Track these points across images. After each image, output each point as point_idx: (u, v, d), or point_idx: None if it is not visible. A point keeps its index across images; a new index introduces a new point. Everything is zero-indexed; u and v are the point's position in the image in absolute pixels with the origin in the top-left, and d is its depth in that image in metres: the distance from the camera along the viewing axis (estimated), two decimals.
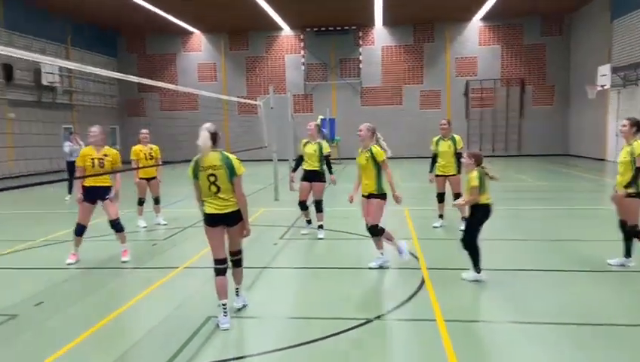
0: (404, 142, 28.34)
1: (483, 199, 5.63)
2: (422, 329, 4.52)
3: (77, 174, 6.86)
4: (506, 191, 12.49)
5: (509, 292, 5.46)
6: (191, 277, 6.18)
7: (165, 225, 9.44)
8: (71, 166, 13.56)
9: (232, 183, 4.60)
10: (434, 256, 6.93)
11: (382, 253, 6.43)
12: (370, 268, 6.36)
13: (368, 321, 4.67)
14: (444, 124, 8.64)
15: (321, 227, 8.32)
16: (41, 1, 22.08)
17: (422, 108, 28.52)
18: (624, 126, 6.08)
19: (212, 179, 4.57)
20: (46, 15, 23.44)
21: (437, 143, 8.67)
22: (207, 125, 4.63)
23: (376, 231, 6.26)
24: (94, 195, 6.76)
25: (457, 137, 8.58)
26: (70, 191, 13.35)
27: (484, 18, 27.29)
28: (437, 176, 8.70)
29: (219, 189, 4.58)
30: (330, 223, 9.42)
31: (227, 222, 4.66)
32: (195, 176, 4.64)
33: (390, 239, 6.39)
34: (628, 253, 6.14)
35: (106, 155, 6.85)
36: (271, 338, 4.38)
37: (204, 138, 4.52)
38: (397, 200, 6.31)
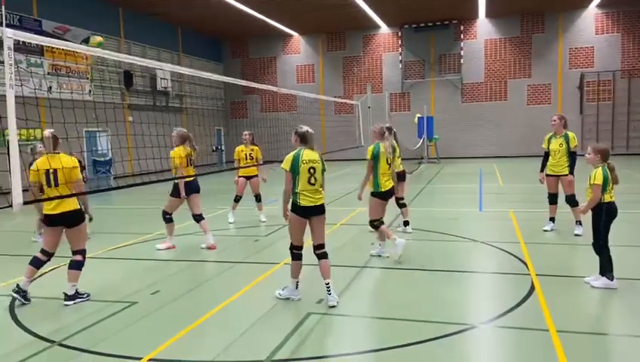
0: (509, 139, 26.94)
1: (607, 198, 5.21)
2: (531, 338, 4.21)
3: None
4: (632, 194, 11.33)
5: (634, 303, 4.93)
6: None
7: (264, 221, 9.76)
8: None
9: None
10: (544, 261, 6.45)
11: (396, 239, 6.67)
12: (371, 255, 6.95)
13: (471, 327, 4.45)
14: (555, 120, 8.02)
15: (406, 223, 8.53)
16: (153, 12, 23.89)
17: (529, 104, 26.85)
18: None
19: (312, 171, 5.01)
20: (159, 24, 25.37)
21: (549, 141, 8.08)
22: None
23: (372, 226, 6.89)
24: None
25: (571, 134, 7.92)
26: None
27: (601, 5, 25.02)
28: (548, 175, 8.10)
29: (316, 182, 5.05)
30: (429, 224, 9.18)
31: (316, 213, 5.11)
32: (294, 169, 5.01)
33: (382, 239, 6.93)
34: None
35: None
36: (368, 338, 4.33)
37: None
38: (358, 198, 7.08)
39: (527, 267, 6.18)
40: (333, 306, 5.00)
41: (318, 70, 29.95)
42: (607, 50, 25.54)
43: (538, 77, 26.61)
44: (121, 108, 22.19)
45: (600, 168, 5.26)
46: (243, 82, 8.24)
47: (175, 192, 7.60)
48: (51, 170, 5.22)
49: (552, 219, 8.22)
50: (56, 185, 5.23)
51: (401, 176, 8.32)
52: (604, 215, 5.24)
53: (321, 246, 5.17)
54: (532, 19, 26.42)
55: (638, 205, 10.13)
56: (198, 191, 7.75)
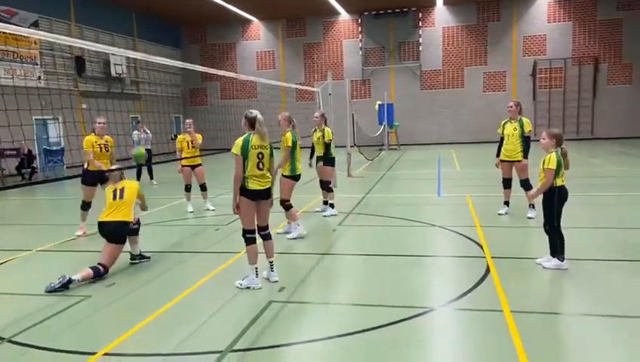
0: (466, 126, 27.54)
1: (558, 182, 5.39)
2: (487, 319, 4.33)
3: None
4: (580, 177, 11.79)
5: (584, 282, 5.15)
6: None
7: (213, 210, 9.66)
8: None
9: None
10: (499, 244, 6.64)
11: (298, 224, 7.33)
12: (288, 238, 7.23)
13: (430, 310, 4.54)
14: (511, 106, 8.22)
15: (331, 205, 8.95)
16: None
17: (485, 91, 27.49)
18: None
19: (260, 156, 5.15)
20: (112, 8, 24.47)
21: (504, 126, 8.28)
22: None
23: (284, 206, 7.33)
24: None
25: (525, 120, 8.14)
26: (138, 178, 13.97)
27: None
28: (502, 161, 8.32)
29: (264, 167, 5.20)
30: (390, 210, 9.30)
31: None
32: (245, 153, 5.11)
33: (293, 219, 7.35)
34: None
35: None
36: (330, 325, 4.35)
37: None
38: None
39: (482, 250, 6.35)
40: (276, 281, 5.33)
41: (278, 56, 29.67)
42: (558, 38, 26.36)
43: (494, 64, 27.23)
44: (74, 95, 21.37)
45: (554, 153, 5.41)
46: (200, 68, 8.05)
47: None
48: None
49: (507, 203, 8.47)
50: None
51: (330, 161, 8.92)
52: (556, 198, 5.42)
53: (266, 227, 5.41)
54: (488, 7, 26.94)
55: (587, 188, 10.55)
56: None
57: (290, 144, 7.24)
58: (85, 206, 8.12)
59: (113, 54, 21.19)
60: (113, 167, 7.26)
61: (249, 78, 10.59)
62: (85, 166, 7.98)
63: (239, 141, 5.14)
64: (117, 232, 5.95)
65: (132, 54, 6.96)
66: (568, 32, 26.26)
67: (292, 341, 4.08)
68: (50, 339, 4.21)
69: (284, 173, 7.43)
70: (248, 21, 29.57)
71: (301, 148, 7.61)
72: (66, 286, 5.37)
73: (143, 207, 6.73)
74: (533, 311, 4.46)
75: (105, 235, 5.97)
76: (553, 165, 5.33)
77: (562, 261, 5.46)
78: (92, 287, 5.48)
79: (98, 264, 5.76)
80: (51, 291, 5.31)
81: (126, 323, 4.45)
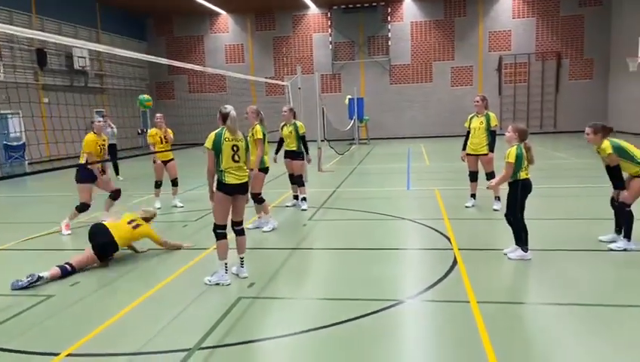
0: (435, 120, 27.91)
1: (522, 175, 5.53)
2: (454, 310, 4.41)
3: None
4: (545, 170, 12.10)
5: (547, 272, 5.29)
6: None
7: (182, 206, 9.53)
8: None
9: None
10: (466, 236, 6.76)
11: (270, 216, 7.51)
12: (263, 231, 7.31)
13: (399, 302, 4.59)
14: (478, 101, 8.36)
15: (304, 199, 8.94)
16: None
17: (453, 86, 27.89)
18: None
19: (235, 149, 5.12)
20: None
21: (470, 120, 8.42)
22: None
23: (257, 200, 7.37)
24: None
25: (492, 114, 8.30)
26: (118, 172, 13.85)
27: None
28: (468, 155, 8.47)
29: (240, 159, 5.18)
30: (360, 204, 9.36)
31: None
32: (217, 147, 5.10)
33: (265, 212, 7.48)
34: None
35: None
36: (300, 320, 4.35)
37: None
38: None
39: (450, 242, 6.45)
40: (245, 277, 5.31)
41: (247, 50, 29.39)
42: (523, 34, 26.94)
43: (461, 59, 27.64)
44: (35, 89, 20.69)
45: (515, 147, 5.54)
46: (166, 61, 7.89)
47: None
48: None
49: (473, 196, 8.62)
50: None
51: (297, 155, 8.88)
52: (519, 191, 5.55)
53: (240, 223, 5.38)
54: (455, 2, 27.31)
55: (549, 180, 10.85)
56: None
57: (260, 136, 7.29)
58: (83, 207, 7.76)
59: (75, 47, 20.58)
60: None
61: (217, 72, 10.46)
62: (84, 161, 7.67)
63: (212, 135, 5.14)
64: (110, 250, 5.93)
65: (95, 47, 6.77)
66: (532, 28, 26.86)
67: (261, 336, 4.06)
68: (12, 340, 4.08)
69: (251, 167, 7.39)
70: (216, 14, 29.17)
71: (268, 142, 7.62)
72: (33, 284, 5.24)
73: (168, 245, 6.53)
74: (498, 301, 4.57)
75: (97, 245, 5.85)
76: (512, 158, 5.46)
77: (526, 251, 5.60)
78: (55, 286, 5.33)
79: (66, 263, 5.62)
80: (18, 289, 5.16)
81: (91, 323, 4.34)
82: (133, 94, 27.98)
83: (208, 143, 5.11)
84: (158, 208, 9.42)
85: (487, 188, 6.34)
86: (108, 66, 25.78)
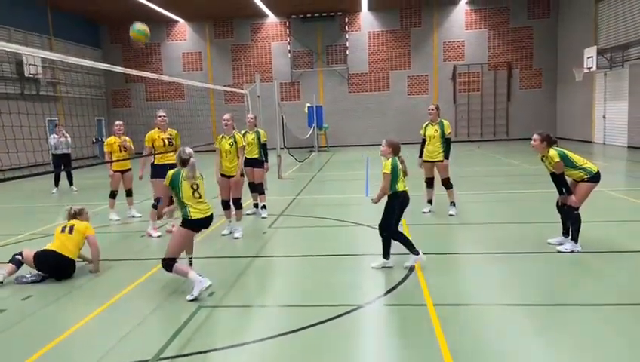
0: (392, 127, 28.39)
1: (400, 186, 5.72)
2: (412, 314, 4.54)
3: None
4: (498, 176, 12.55)
5: (499, 274, 5.51)
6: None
7: (140, 217, 9.36)
8: (56, 159, 13.40)
9: None
10: (423, 241, 6.92)
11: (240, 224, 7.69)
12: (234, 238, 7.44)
13: (358, 307, 4.68)
14: (432, 109, 8.62)
15: (264, 207, 9.06)
16: None
17: (410, 94, 28.51)
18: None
19: (195, 187, 5.34)
20: (27, 5, 22.99)
21: (425, 128, 8.66)
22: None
23: (237, 205, 7.63)
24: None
25: (445, 122, 8.57)
26: (57, 183, 13.27)
27: (471, 2, 27.23)
28: (424, 161, 8.70)
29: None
30: (320, 211, 9.44)
31: None
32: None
33: (238, 218, 7.68)
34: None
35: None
36: (261, 327, 4.37)
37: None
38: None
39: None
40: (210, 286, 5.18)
41: (205, 58, 29.15)
42: (475, 45, 27.87)
43: (417, 68, 28.31)
44: None
45: (391, 159, 5.75)
46: (122, 69, 7.74)
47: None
48: None
49: (430, 202, 8.86)
50: None
51: (258, 163, 9.01)
52: (397, 202, 5.73)
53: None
54: (410, 13, 27.98)
55: (503, 186, 11.24)
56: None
57: (243, 144, 7.82)
58: (158, 201, 7.41)
59: (25, 54, 19.88)
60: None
61: (174, 80, 10.35)
62: (152, 161, 8.00)
63: (169, 174, 5.30)
64: (64, 266, 5.76)
65: (45, 54, 6.59)
66: (484, 39, 27.82)
67: (222, 345, 4.06)
68: None
69: (233, 173, 7.62)
70: (173, 21, 28.83)
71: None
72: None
73: (94, 268, 6.11)
74: (453, 304, 4.72)
75: (52, 270, 5.74)
76: (388, 170, 5.65)
77: (388, 259, 5.75)
78: (6, 301, 5.15)
79: (15, 255, 5.77)
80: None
81: (44, 338, 4.22)
82: (90, 103, 27.26)
83: (166, 181, 5.30)
84: (117, 220, 9.22)
85: (373, 201, 6.02)
86: (62, 74, 25.00)
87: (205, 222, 5.32)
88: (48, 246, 5.81)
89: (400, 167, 5.72)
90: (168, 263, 5.08)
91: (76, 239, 5.92)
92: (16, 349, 4.09)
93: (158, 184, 7.70)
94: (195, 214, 5.18)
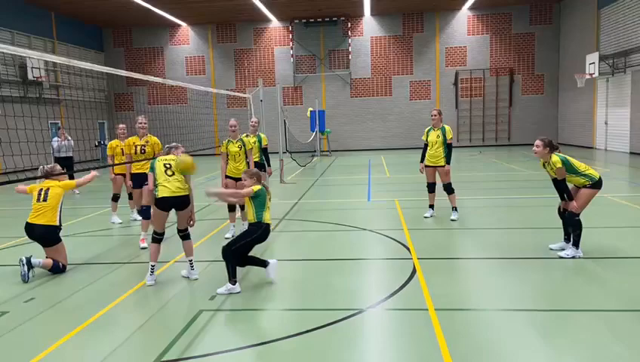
0: (394, 132, 28.48)
1: (267, 217, 5.39)
2: (413, 318, 4.54)
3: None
4: (499, 181, 12.56)
5: (501, 280, 5.51)
6: (181, 270, 6.14)
7: (120, 223, 9.32)
8: (58, 161, 13.44)
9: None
10: (424, 245, 6.95)
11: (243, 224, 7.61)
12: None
13: (360, 312, 4.68)
14: (435, 115, 8.64)
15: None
16: None
17: (412, 99, 28.55)
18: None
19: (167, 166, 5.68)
20: (31, 9, 23.12)
21: (427, 133, 8.69)
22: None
23: (242, 206, 7.42)
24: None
25: (447, 127, 8.58)
26: None
27: (473, 7, 27.30)
28: (426, 166, 8.72)
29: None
30: (322, 215, 9.45)
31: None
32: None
33: (243, 219, 7.65)
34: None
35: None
36: (262, 331, 4.38)
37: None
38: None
39: (409, 252, 6.62)
40: (196, 279, 5.67)
41: (208, 62, 29.25)
42: (478, 50, 27.92)
43: (419, 74, 28.37)
44: None
45: (260, 187, 5.32)
46: (125, 73, 7.79)
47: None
48: None
49: (432, 206, 8.87)
50: None
51: (260, 167, 8.76)
52: (258, 233, 5.30)
53: (185, 229, 5.83)
54: (412, 18, 28.07)
55: (504, 191, 11.24)
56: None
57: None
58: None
59: (29, 57, 20.00)
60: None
61: (177, 84, 10.40)
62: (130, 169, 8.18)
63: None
64: (48, 236, 6.10)
65: (49, 57, 6.63)
66: (486, 45, 27.88)
67: (223, 349, 4.06)
68: None
69: (240, 176, 7.60)
70: (176, 25, 28.95)
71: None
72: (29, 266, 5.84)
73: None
74: (455, 309, 4.72)
75: (36, 238, 6.14)
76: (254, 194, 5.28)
77: (234, 284, 5.19)
78: (9, 303, 5.16)
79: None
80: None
81: (47, 339, 4.24)
82: (92, 106, 27.37)
83: (148, 167, 5.91)
84: (119, 223, 9.23)
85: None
86: (65, 77, 25.12)
87: (171, 202, 5.51)
88: (29, 219, 6.14)
89: (267, 196, 5.42)
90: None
91: (52, 204, 6.18)
92: (18, 352, 4.10)
93: (136, 192, 8.02)
94: (161, 192, 5.48)
